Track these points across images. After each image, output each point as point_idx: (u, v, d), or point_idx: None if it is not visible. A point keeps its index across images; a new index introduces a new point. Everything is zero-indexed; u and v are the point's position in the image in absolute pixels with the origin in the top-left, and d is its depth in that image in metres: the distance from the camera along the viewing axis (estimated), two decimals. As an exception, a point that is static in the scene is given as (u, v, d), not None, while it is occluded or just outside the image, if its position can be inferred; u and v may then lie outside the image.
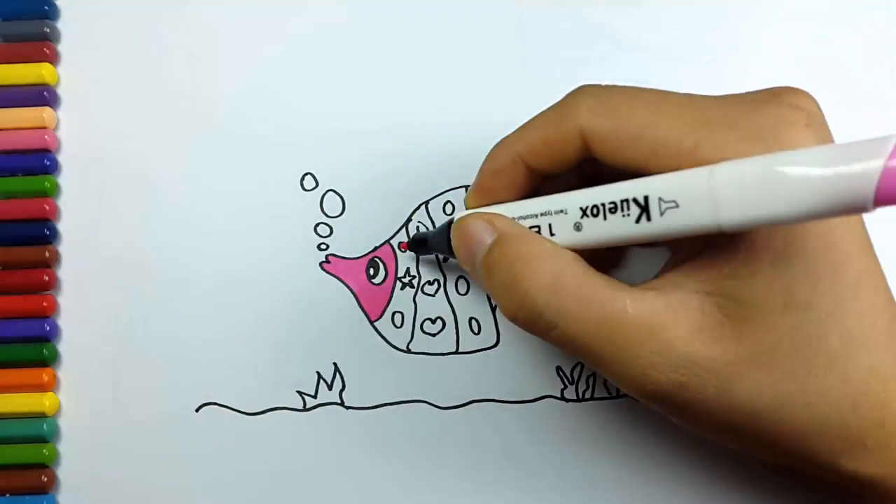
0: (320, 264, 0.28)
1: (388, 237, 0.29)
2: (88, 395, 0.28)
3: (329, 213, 0.29)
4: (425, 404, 0.28)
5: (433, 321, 0.28)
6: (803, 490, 0.27)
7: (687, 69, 0.29)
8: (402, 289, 0.28)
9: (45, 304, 0.28)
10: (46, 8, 0.29)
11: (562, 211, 0.21)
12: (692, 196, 0.18)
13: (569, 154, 0.22)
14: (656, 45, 0.29)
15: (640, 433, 0.28)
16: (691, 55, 0.29)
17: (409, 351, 0.28)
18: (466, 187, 0.29)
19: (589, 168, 0.23)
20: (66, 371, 0.28)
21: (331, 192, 0.29)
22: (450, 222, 0.25)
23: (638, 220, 0.19)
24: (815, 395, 0.19)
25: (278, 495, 0.28)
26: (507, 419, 0.28)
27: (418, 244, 0.27)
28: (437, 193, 0.29)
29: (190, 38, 0.29)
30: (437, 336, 0.28)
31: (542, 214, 0.22)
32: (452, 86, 0.29)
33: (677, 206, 0.18)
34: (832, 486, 0.21)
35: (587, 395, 0.28)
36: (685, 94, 0.21)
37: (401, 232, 0.28)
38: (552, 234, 0.21)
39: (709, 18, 0.29)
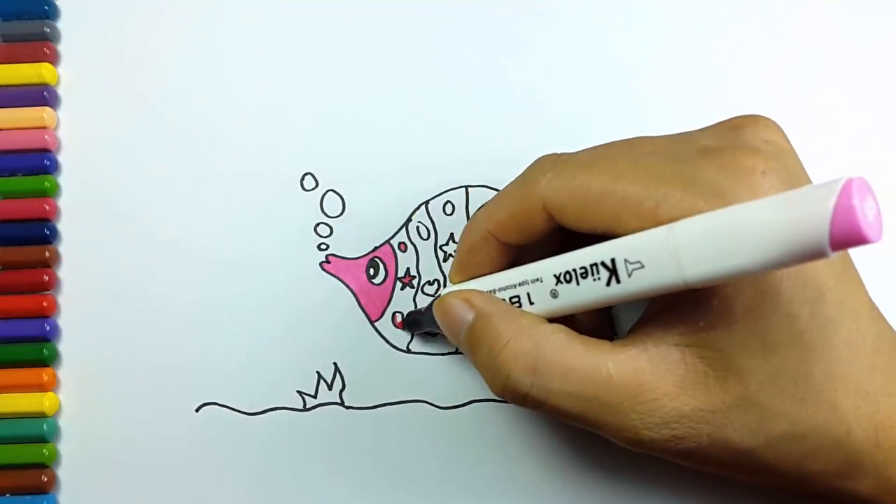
0: (320, 264, 0.28)
1: (388, 237, 0.29)
2: (88, 395, 0.28)
3: (329, 213, 0.29)
4: (425, 404, 0.28)
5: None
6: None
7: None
8: (402, 289, 0.28)
9: (45, 304, 0.28)
10: (46, 8, 0.29)
11: (538, 279, 0.22)
12: (655, 255, 0.18)
13: (536, 225, 0.22)
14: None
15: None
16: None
17: (409, 351, 0.28)
18: (467, 187, 0.29)
19: (560, 235, 0.23)
20: (66, 371, 0.28)
21: (331, 192, 0.29)
22: (436, 298, 0.25)
23: (608, 283, 0.19)
24: (807, 428, 0.20)
25: (278, 495, 0.28)
26: (506, 419, 0.28)
27: (412, 324, 0.28)
28: (437, 193, 0.29)
29: (190, 37, 0.29)
30: (438, 336, 0.28)
31: (519, 284, 0.22)
32: (452, 86, 0.29)
33: (643, 266, 0.19)
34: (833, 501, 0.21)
35: (587, 395, 0.28)
36: (636, 151, 0.21)
37: (400, 233, 0.28)
38: (531, 304, 0.22)
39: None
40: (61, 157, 0.29)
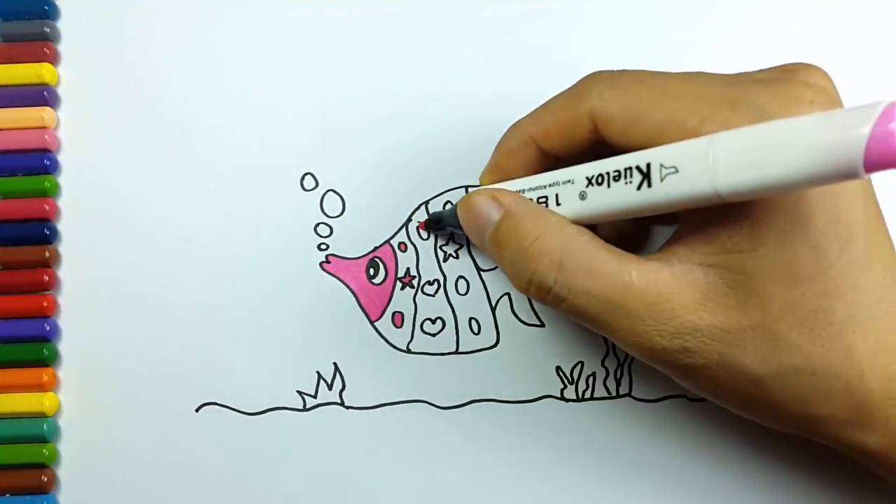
0: (320, 264, 0.28)
1: (388, 237, 0.29)
2: (88, 395, 0.28)
3: (329, 213, 0.29)
4: (425, 404, 0.28)
5: (433, 321, 0.28)
6: (804, 492, 0.27)
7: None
8: (402, 289, 0.28)
9: (45, 304, 0.28)
10: (46, 8, 0.29)
11: (569, 181, 0.22)
12: (691, 161, 0.18)
13: (580, 136, 0.22)
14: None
15: (639, 433, 0.28)
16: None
17: (409, 351, 0.28)
18: (467, 187, 0.29)
19: (598, 153, 0.23)
20: (66, 371, 0.28)
21: (331, 192, 0.29)
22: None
23: (639, 187, 0.19)
24: (820, 365, 0.20)
25: (278, 495, 0.28)
26: (506, 419, 0.28)
27: (434, 223, 0.28)
28: (437, 193, 0.29)
29: (190, 37, 0.29)
30: (437, 336, 0.28)
31: (549, 185, 0.22)
32: (453, 86, 0.29)
33: (677, 171, 0.18)
34: (840, 453, 0.21)
35: (587, 395, 0.28)
36: (692, 74, 0.21)
37: (400, 233, 0.28)
38: (558, 204, 0.22)
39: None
40: (61, 157, 0.29)
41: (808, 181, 0.16)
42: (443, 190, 0.29)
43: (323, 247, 0.29)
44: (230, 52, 0.29)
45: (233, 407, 0.28)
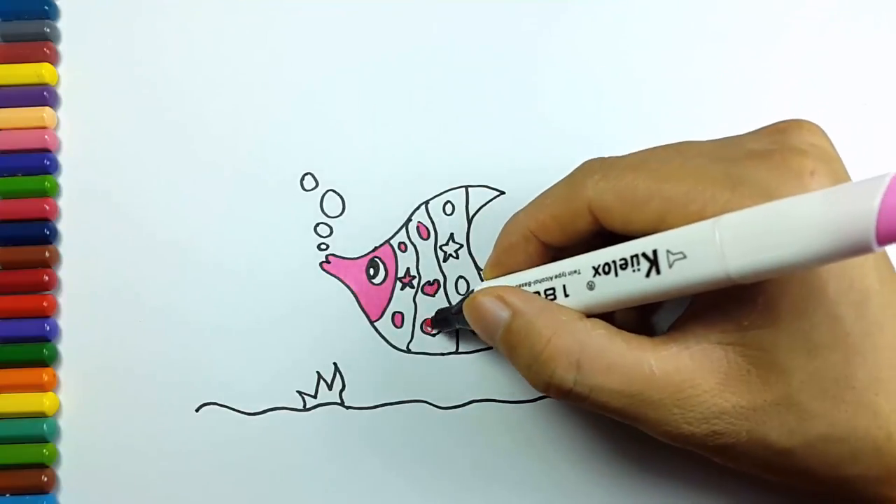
0: (320, 264, 0.28)
1: (388, 237, 0.29)
2: (88, 395, 0.28)
3: (329, 213, 0.29)
4: (425, 404, 0.28)
5: (433, 321, 0.28)
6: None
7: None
8: (402, 289, 0.28)
9: (45, 304, 0.28)
10: (46, 8, 0.29)
11: (575, 271, 0.21)
12: (698, 246, 0.18)
13: (579, 228, 0.22)
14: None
15: (639, 433, 0.28)
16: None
17: (409, 351, 0.28)
18: (467, 187, 0.29)
19: (600, 240, 0.23)
20: (66, 371, 0.28)
21: (331, 192, 0.29)
22: (468, 294, 0.25)
23: (648, 274, 0.19)
24: (847, 430, 0.20)
25: (278, 495, 0.28)
26: (507, 419, 0.28)
27: (441, 322, 0.28)
28: (437, 193, 0.29)
29: (190, 38, 0.29)
30: (437, 336, 0.28)
31: (555, 277, 0.22)
32: (452, 85, 0.29)
33: (685, 256, 0.18)
34: None
35: (587, 395, 0.28)
36: (684, 151, 0.21)
37: (400, 233, 0.28)
38: (566, 296, 0.22)
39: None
40: (61, 157, 0.29)
41: (820, 260, 0.16)
42: (443, 190, 0.29)
43: (323, 247, 0.29)
44: (230, 51, 0.29)
45: (233, 407, 0.28)
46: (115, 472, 0.28)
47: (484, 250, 0.28)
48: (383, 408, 0.28)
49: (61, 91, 0.29)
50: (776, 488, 0.27)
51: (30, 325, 0.28)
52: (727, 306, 0.20)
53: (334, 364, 0.28)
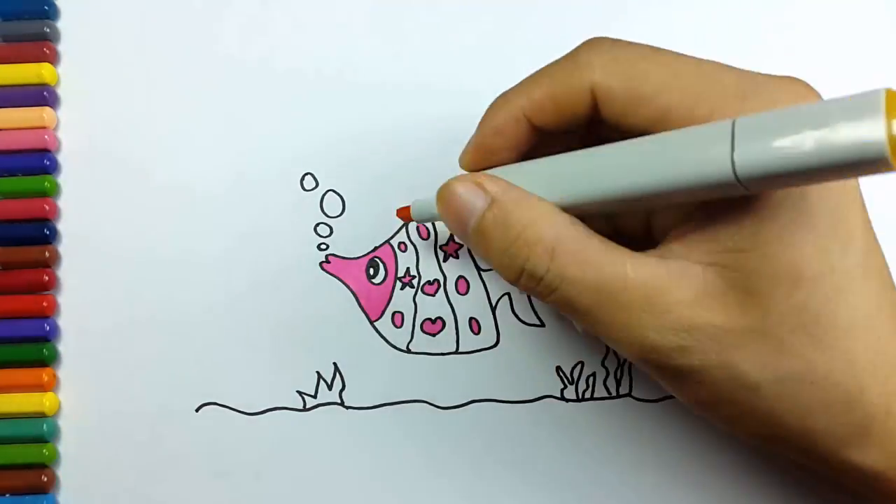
0: (320, 264, 0.28)
1: (388, 237, 0.29)
2: (88, 395, 0.28)
3: (329, 213, 0.29)
4: (425, 404, 0.28)
5: (433, 321, 0.28)
6: (804, 492, 0.27)
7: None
8: (402, 289, 0.28)
9: (45, 304, 0.28)
10: (46, 8, 0.29)
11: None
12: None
13: (577, 112, 0.21)
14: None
15: (639, 433, 0.28)
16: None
17: (409, 351, 0.28)
18: (466, 187, 0.28)
19: (591, 131, 0.22)
20: (66, 371, 0.28)
21: (331, 192, 0.29)
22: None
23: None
24: (820, 373, 0.19)
25: (278, 495, 0.28)
26: (507, 419, 0.28)
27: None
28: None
29: (190, 37, 0.29)
30: (437, 336, 0.28)
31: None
32: (452, 85, 0.29)
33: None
34: (832, 480, 0.21)
35: (587, 395, 0.28)
36: (702, 60, 0.20)
37: (400, 233, 0.28)
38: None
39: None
40: (61, 157, 0.29)
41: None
42: (443, 190, 0.29)
43: (323, 247, 0.29)
44: (230, 51, 0.29)
45: (233, 407, 0.28)
46: (115, 473, 0.28)
47: (484, 250, 0.28)
48: (383, 408, 0.28)
49: (61, 91, 0.29)
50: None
51: (30, 325, 0.28)
52: (713, 227, 0.19)
53: (334, 364, 0.28)
